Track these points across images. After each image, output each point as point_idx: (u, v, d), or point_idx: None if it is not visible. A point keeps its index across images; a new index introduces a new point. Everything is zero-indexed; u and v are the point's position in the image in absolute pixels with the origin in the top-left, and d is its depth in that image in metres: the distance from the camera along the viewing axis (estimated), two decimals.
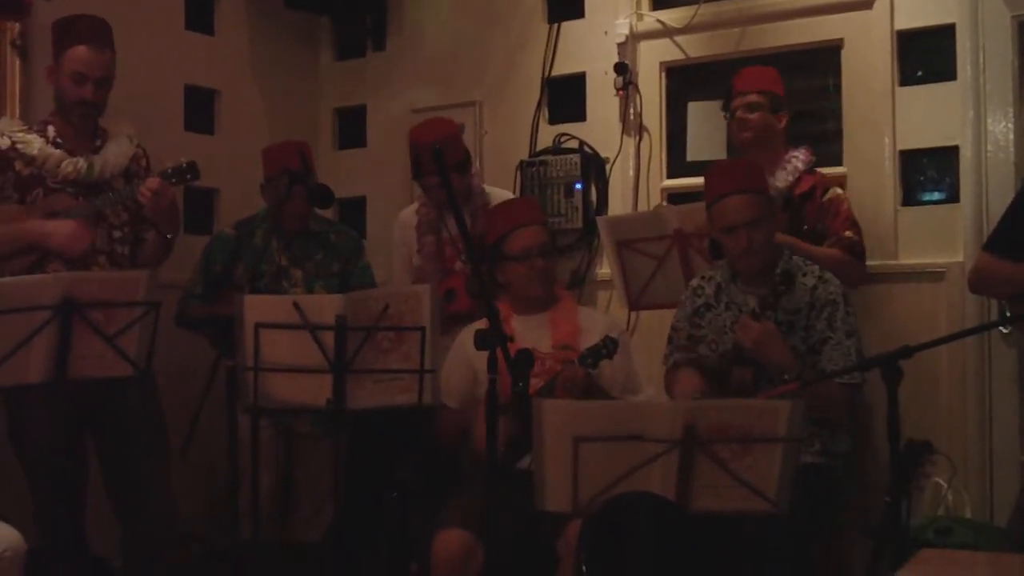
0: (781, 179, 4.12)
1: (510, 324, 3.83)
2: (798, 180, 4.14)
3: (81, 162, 3.88)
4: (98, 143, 3.97)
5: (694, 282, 3.85)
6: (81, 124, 3.93)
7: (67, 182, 3.87)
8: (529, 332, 3.83)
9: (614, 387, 3.73)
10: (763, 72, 4.28)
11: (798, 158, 4.17)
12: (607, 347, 3.62)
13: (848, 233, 4.05)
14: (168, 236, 3.98)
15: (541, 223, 3.99)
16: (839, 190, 4.17)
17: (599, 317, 4.00)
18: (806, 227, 4.06)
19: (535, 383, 3.68)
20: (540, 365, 3.73)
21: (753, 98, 4.17)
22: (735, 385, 3.53)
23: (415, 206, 4.62)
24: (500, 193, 4.64)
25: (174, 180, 3.88)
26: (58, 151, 3.87)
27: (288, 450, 4.41)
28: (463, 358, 3.79)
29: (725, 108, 4.28)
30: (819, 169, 4.26)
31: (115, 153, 3.96)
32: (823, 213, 4.08)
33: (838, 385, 3.49)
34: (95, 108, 3.91)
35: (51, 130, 3.92)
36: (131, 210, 3.98)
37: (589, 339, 3.76)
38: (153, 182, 3.83)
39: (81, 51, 3.83)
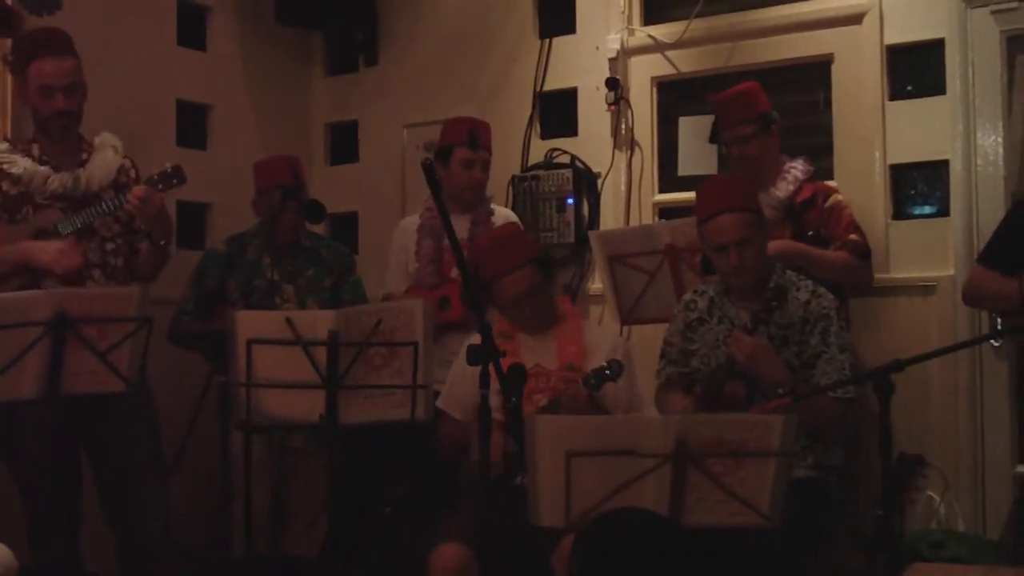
0: (782, 189, 4.15)
1: (516, 338, 3.84)
2: (799, 189, 4.16)
3: (67, 176, 3.88)
4: (84, 156, 3.97)
5: (687, 296, 3.86)
6: (63, 138, 3.92)
7: (55, 198, 3.87)
8: (535, 347, 3.83)
9: (617, 407, 3.72)
10: (743, 98, 4.21)
11: (797, 168, 4.19)
12: (612, 370, 3.60)
13: (853, 236, 4.08)
14: (162, 243, 3.98)
15: (528, 262, 3.81)
16: (840, 196, 4.19)
17: (604, 336, 3.98)
18: (810, 233, 4.09)
19: (538, 399, 3.68)
20: (545, 382, 3.74)
21: (745, 130, 4.16)
22: (727, 400, 3.54)
23: (419, 213, 4.63)
24: (502, 211, 4.67)
25: (160, 186, 3.88)
26: (43, 168, 3.87)
27: (280, 465, 4.41)
28: (468, 371, 3.77)
29: (714, 138, 4.25)
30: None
31: (101, 165, 3.96)
32: (826, 219, 4.11)
33: (831, 399, 3.50)
34: (71, 118, 3.90)
35: (35, 148, 3.92)
36: (122, 221, 3.98)
37: (595, 358, 3.76)
38: (139, 189, 3.83)
39: (42, 64, 3.82)
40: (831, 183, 4.44)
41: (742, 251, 3.56)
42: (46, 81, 3.82)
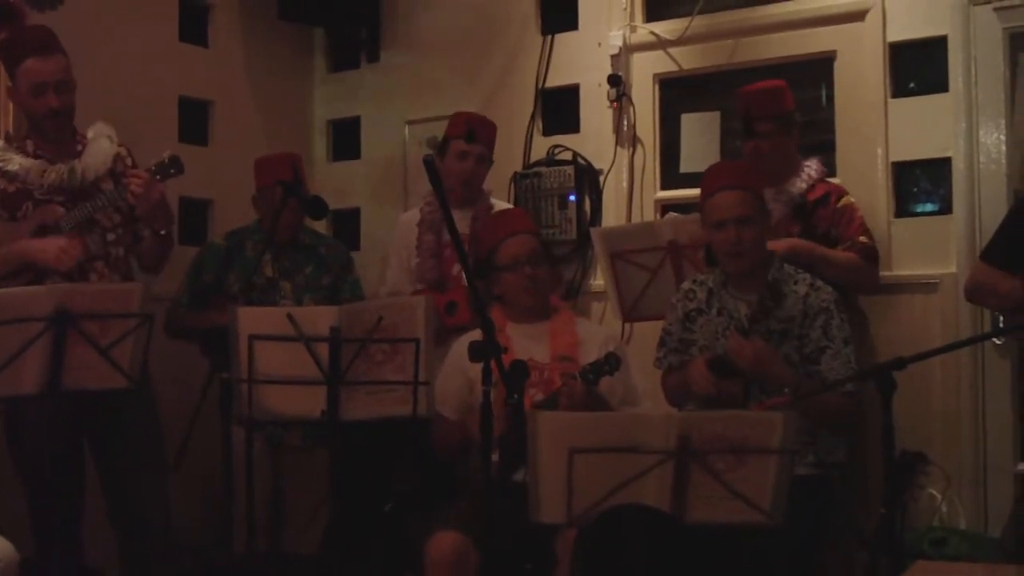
0: (796, 186, 4.18)
1: (505, 333, 3.80)
2: (812, 187, 4.18)
3: (63, 168, 3.87)
4: (79, 148, 3.96)
5: (685, 285, 3.85)
6: (57, 134, 3.92)
7: (53, 191, 3.86)
8: (526, 341, 3.80)
9: (612, 400, 3.72)
10: (767, 94, 4.22)
11: (812, 167, 4.22)
12: (610, 364, 3.60)
13: (863, 239, 4.11)
14: (163, 232, 3.98)
15: (531, 231, 3.95)
16: (852, 198, 4.21)
17: (597, 329, 4.00)
18: (819, 232, 4.12)
19: (533, 393, 3.68)
20: (538, 375, 3.72)
21: (763, 127, 4.17)
22: (724, 397, 3.53)
23: (419, 207, 4.61)
24: (502, 205, 4.66)
25: (159, 176, 3.87)
26: (39, 161, 3.87)
27: (279, 463, 4.40)
28: (458, 368, 3.76)
29: (746, 130, 4.24)
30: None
31: (96, 155, 3.94)
32: (836, 219, 4.13)
33: (837, 394, 3.50)
34: (65, 114, 3.89)
35: (30, 145, 3.92)
36: (123, 211, 3.97)
37: (588, 351, 3.75)
38: (139, 175, 3.82)
39: (30, 64, 3.80)
40: (833, 180, 4.43)
41: (740, 229, 3.56)
42: (37, 79, 3.81)
